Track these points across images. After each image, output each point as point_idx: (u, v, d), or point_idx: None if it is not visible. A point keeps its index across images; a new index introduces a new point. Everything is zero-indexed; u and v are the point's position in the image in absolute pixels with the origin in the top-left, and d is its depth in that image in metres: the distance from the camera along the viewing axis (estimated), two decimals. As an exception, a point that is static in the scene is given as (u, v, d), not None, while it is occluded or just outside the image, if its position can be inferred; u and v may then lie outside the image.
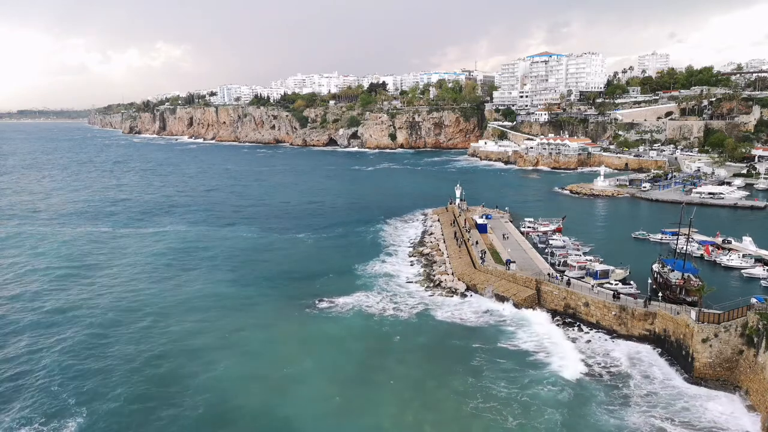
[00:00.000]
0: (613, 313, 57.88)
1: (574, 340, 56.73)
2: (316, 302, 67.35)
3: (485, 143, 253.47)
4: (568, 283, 64.27)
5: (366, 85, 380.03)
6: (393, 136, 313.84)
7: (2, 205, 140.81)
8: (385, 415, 44.49)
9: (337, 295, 69.63)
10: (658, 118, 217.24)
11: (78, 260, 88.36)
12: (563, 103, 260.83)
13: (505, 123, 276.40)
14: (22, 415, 44.81)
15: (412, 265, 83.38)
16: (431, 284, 74.09)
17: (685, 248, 66.43)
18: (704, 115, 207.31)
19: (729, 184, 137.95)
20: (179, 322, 62.43)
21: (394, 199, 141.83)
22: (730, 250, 79.71)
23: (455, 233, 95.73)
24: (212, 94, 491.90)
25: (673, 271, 62.87)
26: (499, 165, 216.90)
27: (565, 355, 53.62)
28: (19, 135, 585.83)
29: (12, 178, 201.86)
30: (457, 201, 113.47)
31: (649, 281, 64.56)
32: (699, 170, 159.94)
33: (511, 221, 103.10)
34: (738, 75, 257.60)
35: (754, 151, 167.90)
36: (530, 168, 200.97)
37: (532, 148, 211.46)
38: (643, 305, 56.48)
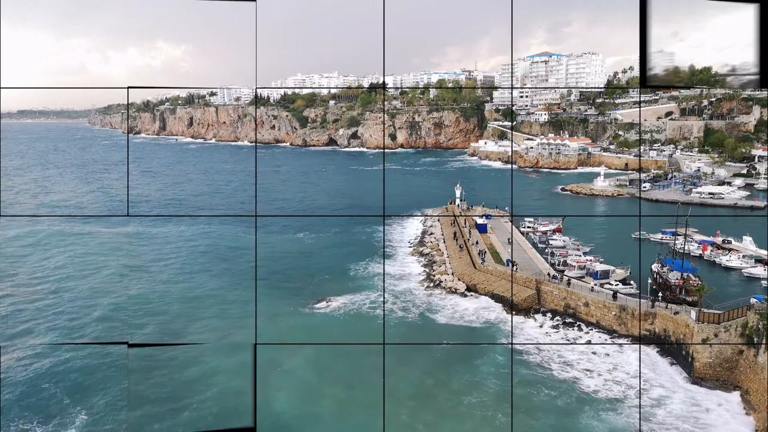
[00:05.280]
0: (613, 313, 57.82)
1: (573, 341, 56.65)
2: (314, 301, 67.27)
3: (485, 143, 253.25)
4: (568, 283, 64.22)
5: (366, 85, 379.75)
6: (393, 136, 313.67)
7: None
8: (381, 414, 44.35)
9: (334, 294, 69.40)
10: (658, 118, 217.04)
11: (72, 256, 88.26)
12: (563, 103, 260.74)
13: (505, 123, 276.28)
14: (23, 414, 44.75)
15: (411, 265, 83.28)
16: (431, 284, 73.99)
17: (683, 248, 66.28)
18: (704, 115, 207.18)
19: (729, 184, 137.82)
20: (175, 321, 62.27)
21: (394, 198, 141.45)
22: (730, 250, 79.60)
23: (455, 233, 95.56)
24: (212, 94, 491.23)
25: (672, 270, 62.78)
26: (499, 165, 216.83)
27: (563, 355, 53.51)
28: (34, 136, 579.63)
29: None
30: (457, 201, 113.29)
31: (649, 281, 64.44)
32: (699, 170, 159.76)
33: (511, 221, 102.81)
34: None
35: (754, 151, 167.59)
36: (530, 168, 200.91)
37: (532, 148, 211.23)
38: (650, 306, 56.27)
